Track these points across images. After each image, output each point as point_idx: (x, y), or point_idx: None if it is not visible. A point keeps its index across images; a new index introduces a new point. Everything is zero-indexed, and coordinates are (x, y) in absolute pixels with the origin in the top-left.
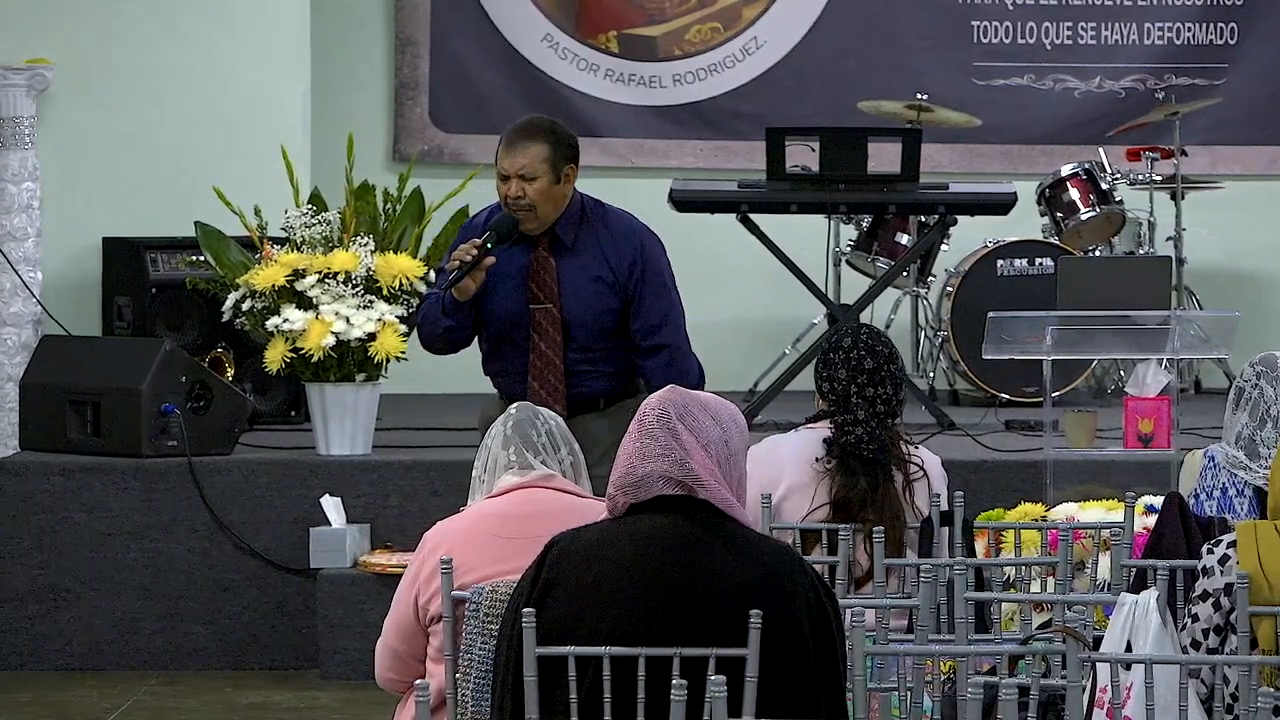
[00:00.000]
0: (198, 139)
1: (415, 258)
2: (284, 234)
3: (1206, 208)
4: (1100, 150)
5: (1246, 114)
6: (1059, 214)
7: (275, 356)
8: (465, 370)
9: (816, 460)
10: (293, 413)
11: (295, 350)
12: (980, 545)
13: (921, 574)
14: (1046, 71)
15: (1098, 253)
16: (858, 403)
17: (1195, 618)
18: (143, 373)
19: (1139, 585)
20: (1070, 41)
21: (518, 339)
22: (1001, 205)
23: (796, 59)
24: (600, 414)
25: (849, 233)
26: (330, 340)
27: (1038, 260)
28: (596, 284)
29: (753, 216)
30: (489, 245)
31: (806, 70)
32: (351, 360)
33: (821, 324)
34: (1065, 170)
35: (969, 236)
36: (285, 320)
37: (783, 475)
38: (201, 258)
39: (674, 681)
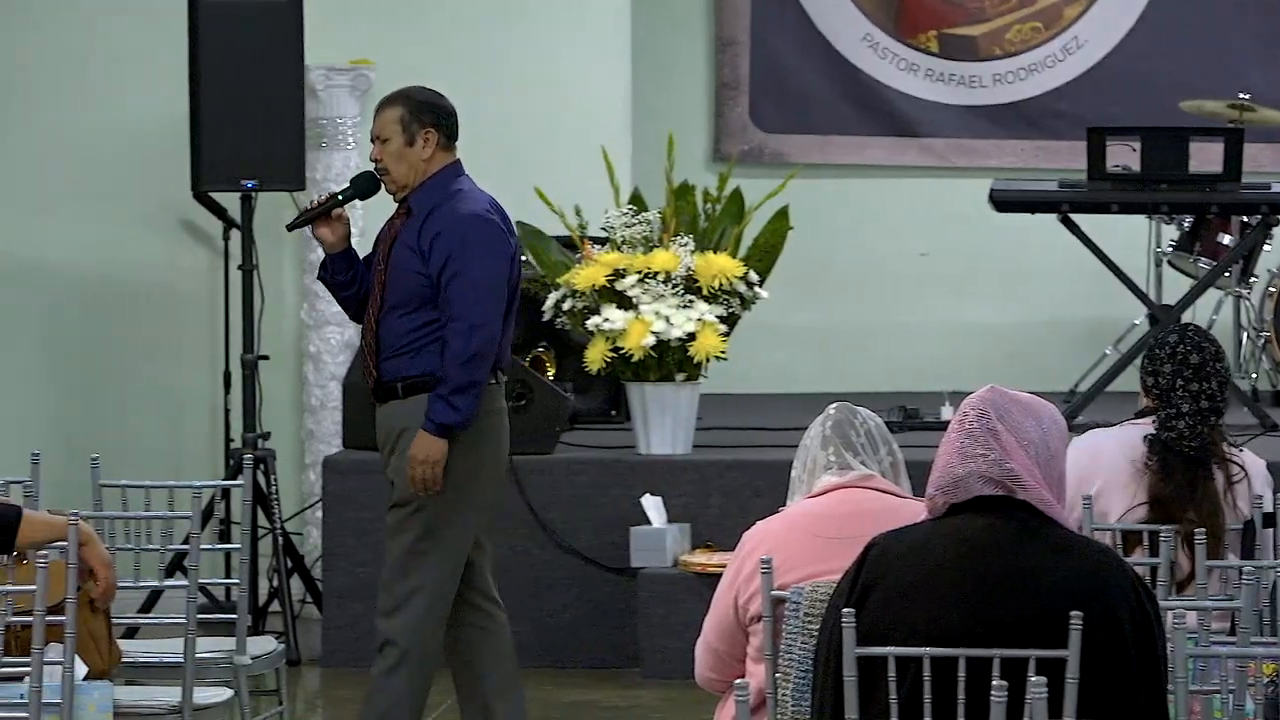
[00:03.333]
0: (518, 139)
1: (735, 258)
2: (604, 234)
3: None
4: None
5: None
6: None
7: (596, 356)
8: (784, 371)
9: (1137, 458)
10: (613, 412)
11: (616, 350)
12: None
13: (1244, 576)
14: None
15: None
16: (1182, 397)
17: None
18: None
19: None
20: None
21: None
22: None
23: (1117, 58)
24: (402, 402)
25: (1170, 233)
26: (650, 340)
27: None
28: (407, 249)
29: (1073, 216)
30: (340, 198)
31: (1127, 69)
32: (671, 360)
33: (1143, 324)
34: None
35: None
36: (606, 320)
37: (1103, 471)
38: (523, 257)
39: (994, 683)
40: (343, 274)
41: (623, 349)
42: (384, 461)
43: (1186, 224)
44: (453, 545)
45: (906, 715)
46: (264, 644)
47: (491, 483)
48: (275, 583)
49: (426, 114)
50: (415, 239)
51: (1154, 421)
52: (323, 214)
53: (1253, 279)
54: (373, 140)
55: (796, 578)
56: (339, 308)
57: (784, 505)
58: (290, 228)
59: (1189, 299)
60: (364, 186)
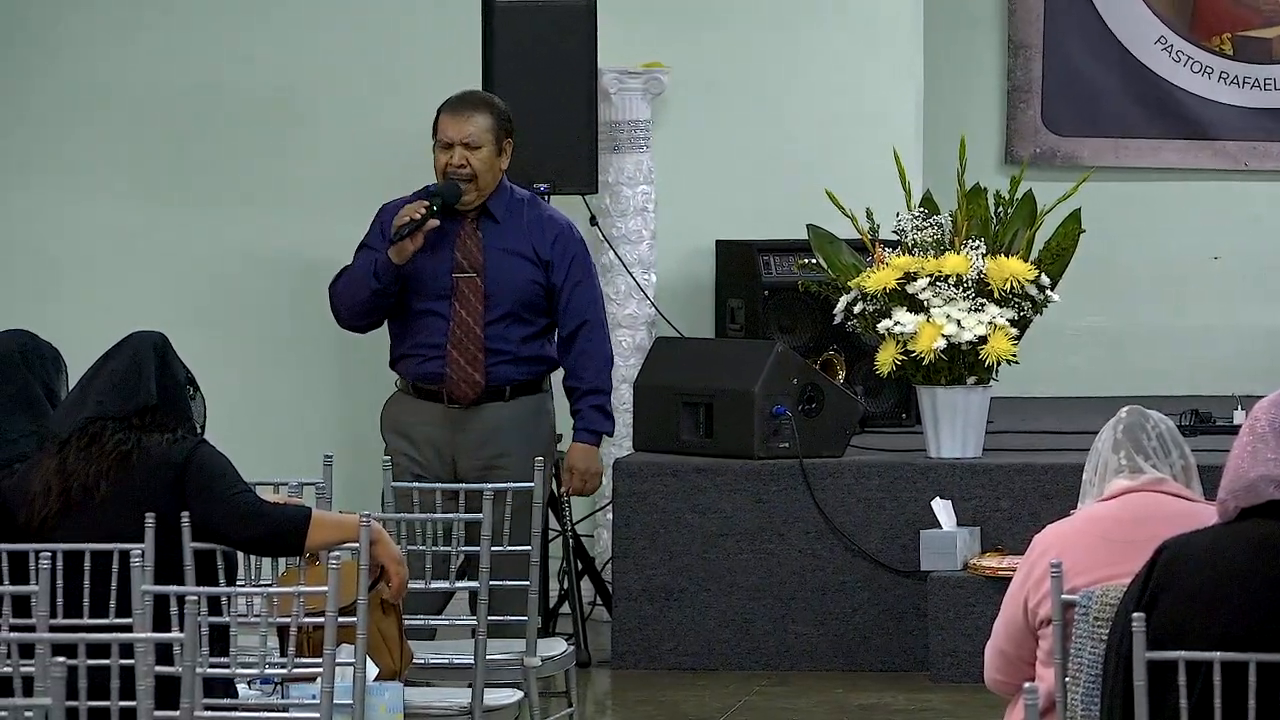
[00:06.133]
0: (809, 141)
1: (1027, 261)
2: (895, 236)
3: None
4: None
5: None
6: None
7: (886, 359)
8: (1074, 374)
9: None
10: (903, 415)
11: (906, 353)
12: None
13: None
14: None
15: None
16: None
17: None
18: (755, 374)
19: None
20: None
21: (440, 309)
22: None
23: None
24: (506, 404)
25: None
26: (941, 343)
27: None
28: (518, 257)
29: None
30: (434, 208)
31: None
32: (962, 363)
33: None
34: None
35: None
36: (896, 323)
37: None
38: (813, 260)
39: None
40: (393, 284)
41: (913, 352)
42: (470, 460)
43: None
44: None
45: None
46: (554, 646)
47: None
48: (566, 584)
49: (507, 123)
50: (528, 247)
51: None
52: (420, 225)
53: None
54: (450, 145)
55: (1086, 581)
56: (630, 310)
57: (1074, 509)
58: (393, 241)
59: None
60: (450, 195)
